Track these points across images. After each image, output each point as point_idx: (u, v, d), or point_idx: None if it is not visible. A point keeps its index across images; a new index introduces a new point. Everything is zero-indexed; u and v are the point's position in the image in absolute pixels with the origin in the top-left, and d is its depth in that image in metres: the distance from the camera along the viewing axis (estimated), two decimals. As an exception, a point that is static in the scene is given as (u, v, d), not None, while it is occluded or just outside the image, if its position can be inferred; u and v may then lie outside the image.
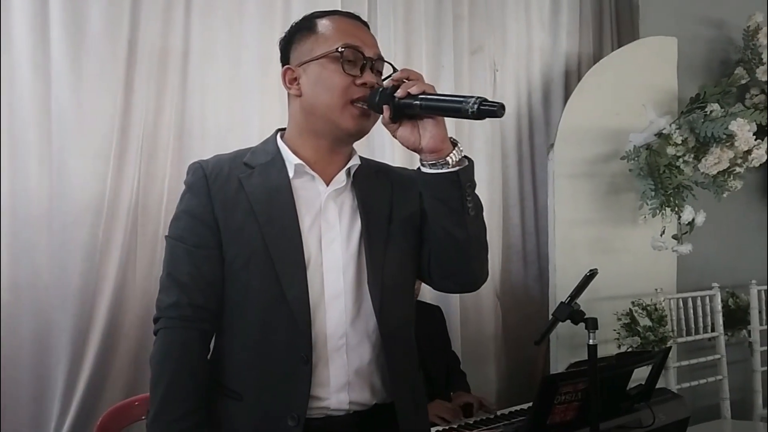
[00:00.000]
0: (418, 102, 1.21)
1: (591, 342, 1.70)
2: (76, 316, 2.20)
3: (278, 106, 2.44)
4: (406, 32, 2.85)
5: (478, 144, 3.03)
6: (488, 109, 1.15)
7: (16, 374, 2.12)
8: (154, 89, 2.35)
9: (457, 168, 1.23)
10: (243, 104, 2.47)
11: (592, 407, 1.71)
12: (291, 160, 1.34)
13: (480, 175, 2.93)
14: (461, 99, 1.18)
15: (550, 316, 1.97)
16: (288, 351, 1.26)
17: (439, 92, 1.23)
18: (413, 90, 1.22)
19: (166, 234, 1.36)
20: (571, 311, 1.82)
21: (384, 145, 2.69)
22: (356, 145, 1.32)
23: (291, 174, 1.33)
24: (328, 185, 1.34)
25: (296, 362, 1.26)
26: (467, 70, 3.01)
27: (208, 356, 1.34)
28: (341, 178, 1.35)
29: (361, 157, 1.41)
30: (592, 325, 1.72)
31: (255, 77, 2.48)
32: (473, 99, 1.16)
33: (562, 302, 1.88)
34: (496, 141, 3.08)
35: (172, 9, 2.38)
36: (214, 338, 1.35)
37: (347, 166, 1.36)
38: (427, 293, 2.74)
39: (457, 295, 2.87)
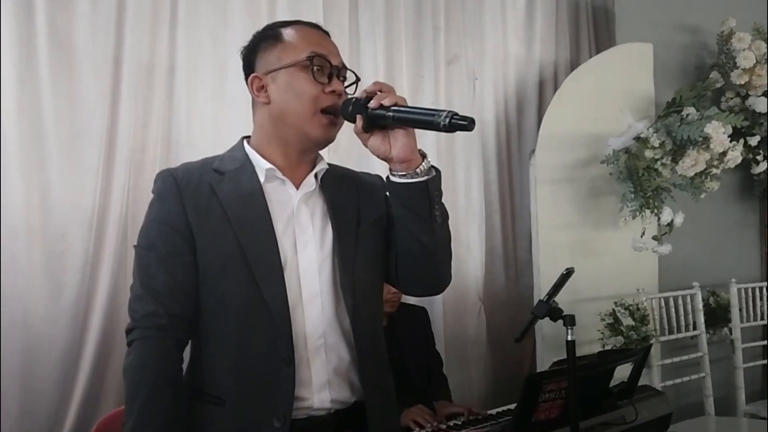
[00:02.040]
0: (390, 113, 1.25)
1: (569, 338, 1.72)
2: (68, 329, 2.22)
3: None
4: (388, 44, 2.89)
5: (459, 151, 3.06)
6: (459, 123, 1.19)
7: (8, 388, 2.12)
8: (141, 103, 2.37)
9: (426, 177, 1.27)
10: (229, 117, 2.49)
11: (572, 401, 1.75)
12: (261, 165, 1.35)
13: (461, 182, 3.05)
14: (433, 112, 1.22)
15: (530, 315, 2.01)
16: (269, 352, 1.28)
17: (410, 105, 1.27)
18: (386, 102, 1.25)
19: (135, 244, 1.35)
20: (549, 309, 1.84)
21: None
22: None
23: (262, 179, 1.34)
24: (297, 189, 1.36)
25: (278, 363, 1.27)
26: (447, 79, 3.05)
27: (183, 364, 1.33)
28: (310, 182, 1.37)
29: (328, 163, 1.43)
30: (569, 321, 1.73)
31: (241, 90, 2.45)
32: (445, 113, 1.20)
33: (540, 300, 1.90)
34: (476, 148, 3.10)
35: (157, 23, 2.41)
36: (189, 346, 1.35)
37: (315, 170, 1.38)
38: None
39: (440, 299, 2.90)
